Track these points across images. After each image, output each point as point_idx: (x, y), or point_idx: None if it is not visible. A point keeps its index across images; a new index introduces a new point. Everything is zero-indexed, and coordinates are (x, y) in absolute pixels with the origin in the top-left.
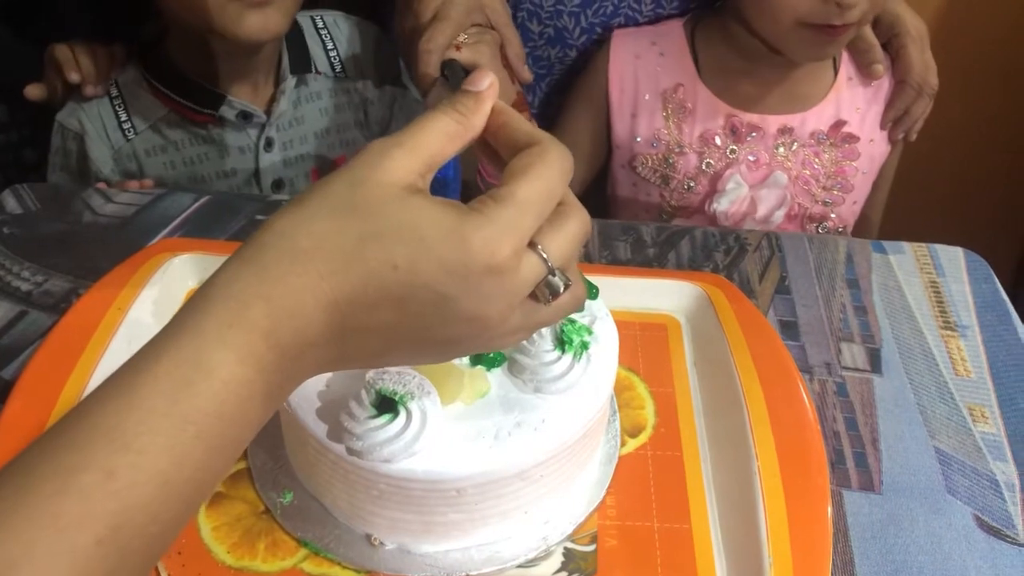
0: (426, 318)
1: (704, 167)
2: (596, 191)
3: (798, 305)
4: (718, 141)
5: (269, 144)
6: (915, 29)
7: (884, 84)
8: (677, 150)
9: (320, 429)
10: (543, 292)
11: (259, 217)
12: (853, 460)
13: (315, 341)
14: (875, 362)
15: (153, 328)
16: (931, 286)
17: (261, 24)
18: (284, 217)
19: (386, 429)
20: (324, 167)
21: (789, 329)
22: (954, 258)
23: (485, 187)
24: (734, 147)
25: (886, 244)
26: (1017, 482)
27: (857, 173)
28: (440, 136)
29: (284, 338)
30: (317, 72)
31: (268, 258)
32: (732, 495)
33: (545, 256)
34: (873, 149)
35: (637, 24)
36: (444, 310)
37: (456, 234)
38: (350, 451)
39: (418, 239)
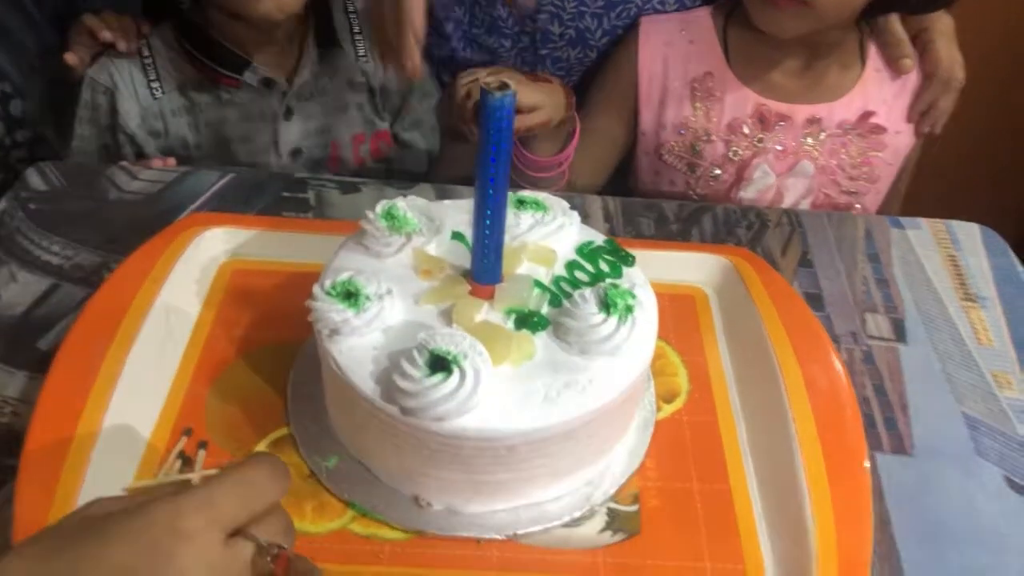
0: None
1: (731, 155)
2: (620, 178)
3: (821, 278)
4: (746, 130)
5: (289, 112)
6: (943, 23)
7: (911, 77)
8: (704, 138)
9: (372, 390)
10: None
11: (284, 194)
12: (884, 425)
13: None
14: (899, 331)
15: (187, 300)
16: (949, 260)
17: (275, 4)
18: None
19: (440, 388)
20: (342, 140)
21: (814, 300)
22: (971, 233)
23: (523, 164)
24: (761, 136)
25: (903, 220)
26: None
27: (883, 164)
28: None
29: None
30: (340, 48)
31: None
32: (770, 455)
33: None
34: (899, 141)
35: None
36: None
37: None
38: (404, 411)
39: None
